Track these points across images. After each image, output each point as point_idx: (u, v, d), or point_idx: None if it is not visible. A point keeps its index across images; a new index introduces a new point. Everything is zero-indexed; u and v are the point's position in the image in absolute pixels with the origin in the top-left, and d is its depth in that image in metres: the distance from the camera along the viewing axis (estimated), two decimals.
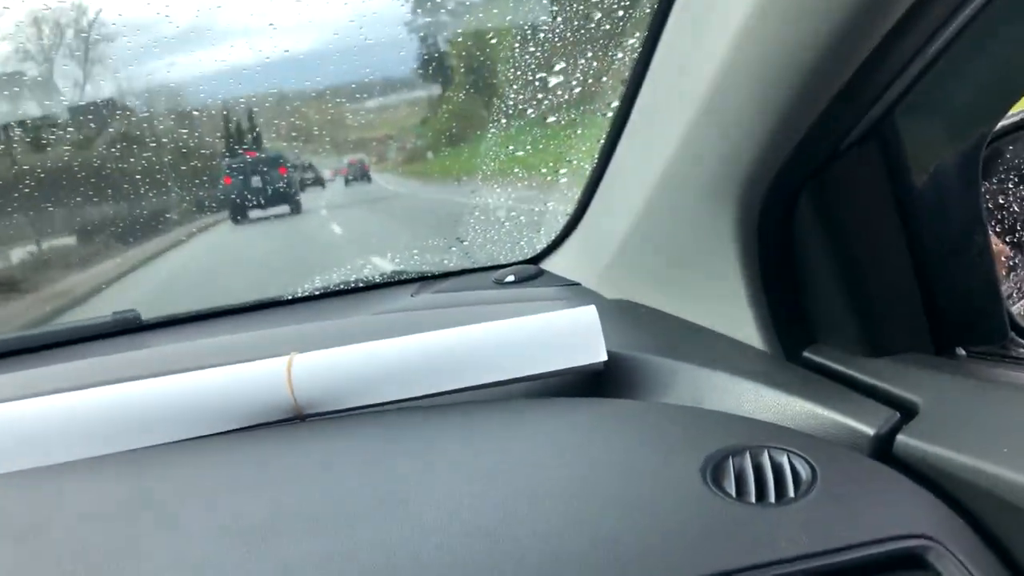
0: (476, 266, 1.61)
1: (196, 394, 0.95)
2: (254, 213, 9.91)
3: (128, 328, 1.46)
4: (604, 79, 1.16)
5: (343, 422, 0.94)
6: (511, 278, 1.48)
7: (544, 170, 1.54)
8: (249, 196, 9.48)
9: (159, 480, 0.84)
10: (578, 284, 1.36)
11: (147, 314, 1.48)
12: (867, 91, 0.75)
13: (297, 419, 0.95)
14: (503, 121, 1.47)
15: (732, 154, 0.84)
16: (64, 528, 0.75)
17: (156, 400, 0.95)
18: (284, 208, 9.85)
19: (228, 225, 9.88)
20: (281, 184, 9.69)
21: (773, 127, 0.78)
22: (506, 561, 0.63)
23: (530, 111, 1.41)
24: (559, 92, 1.33)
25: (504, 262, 1.57)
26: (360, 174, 12.27)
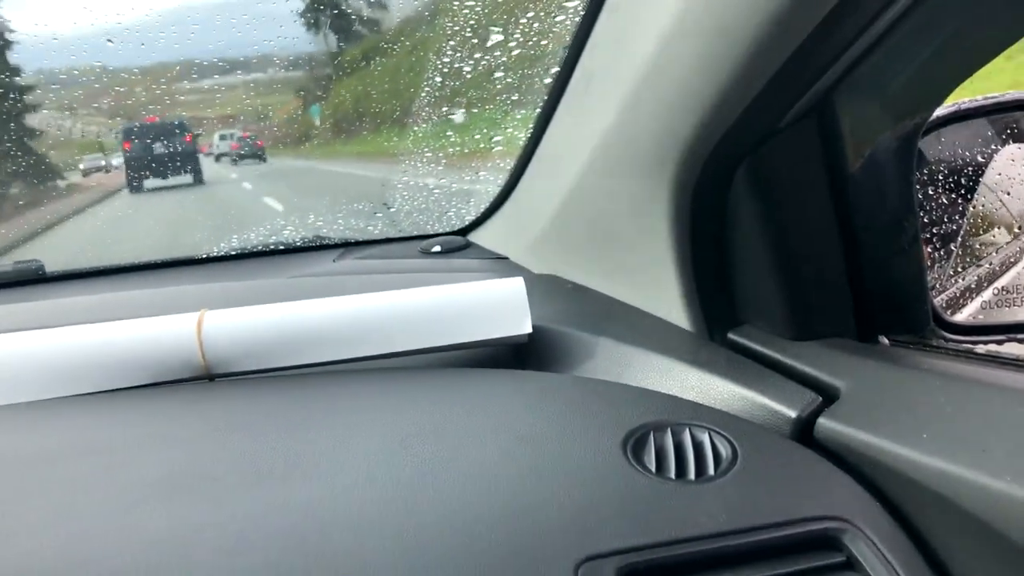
0: (402, 235, 1.58)
1: (100, 347, 0.90)
2: (152, 182, 9.45)
3: (30, 279, 1.39)
4: (544, 42, 1.13)
5: (254, 384, 0.90)
6: (437, 248, 1.45)
7: (478, 136, 1.50)
8: (150, 163, 9.11)
9: (54, 433, 0.80)
10: (506, 258, 1.35)
11: (51, 268, 1.41)
12: (807, 69, 0.74)
13: (205, 379, 0.91)
14: (437, 80, 1.43)
15: (669, 129, 0.83)
16: None
17: (57, 351, 0.90)
18: (187, 178, 9.52)
19: (127, 193, 9.47)
20: (186, 152, 9.33)
21: (712, 102, 0.77)
22: (419, 527, 0.61)
23: (467, 70, 1.37)
24: (497, 53, 1.30)
25: (431, 232, 1.54)
26: (251, 151, 11.36)
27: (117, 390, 0.89)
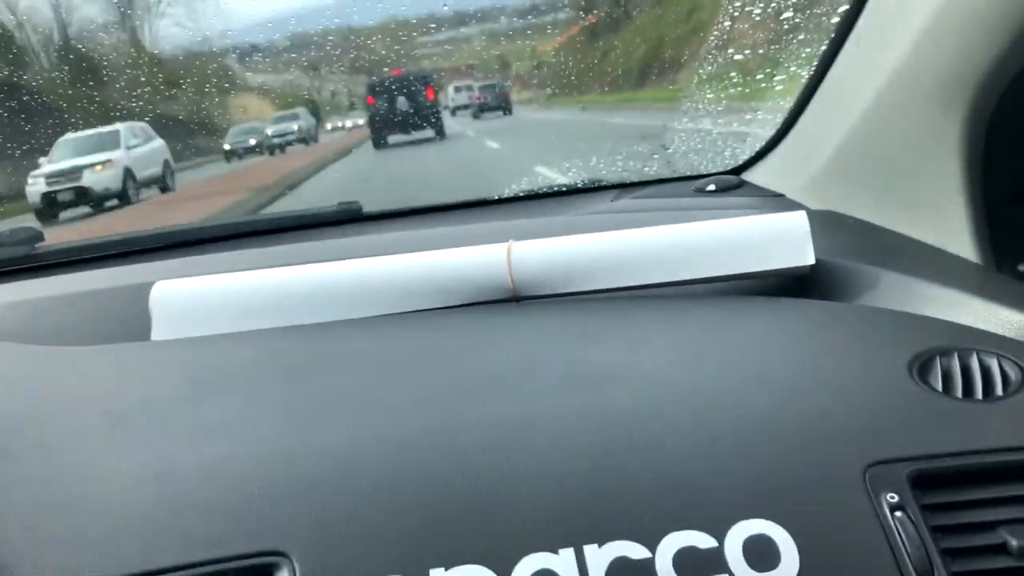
0: (677, 175, 1.63)
1: (423, 271, 1.05)
2: (395, 137, 9.30)
3: (351, 217, 1.58)
4: None
5: (556, 305, 1.01)
6: (712, 187, 1.49)
7: (760, 76, 1.53)
8: (393, 119, 8.99)
9: (388, 342, 0.95)
10: (781, 196, 1.37)
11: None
12: None
13: (512, 300, 1.03)
14: (727, 23, 1.47)
15: (967, 61, 0.83)
16: (312, 374, 0.86)
17: (386, 274, 1.05)
18: (428, 133, 9.23)
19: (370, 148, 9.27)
20: (428, 107, 9.06)
21: (1013, 34, 0.77)
22: (716, 426, 0.69)
23: (756, 12, 1.40)
24: None
25: (705, 172, 1.58)
26: (497, 102, 10.52)
27: (437, 309, 1.04)
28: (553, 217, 1.47)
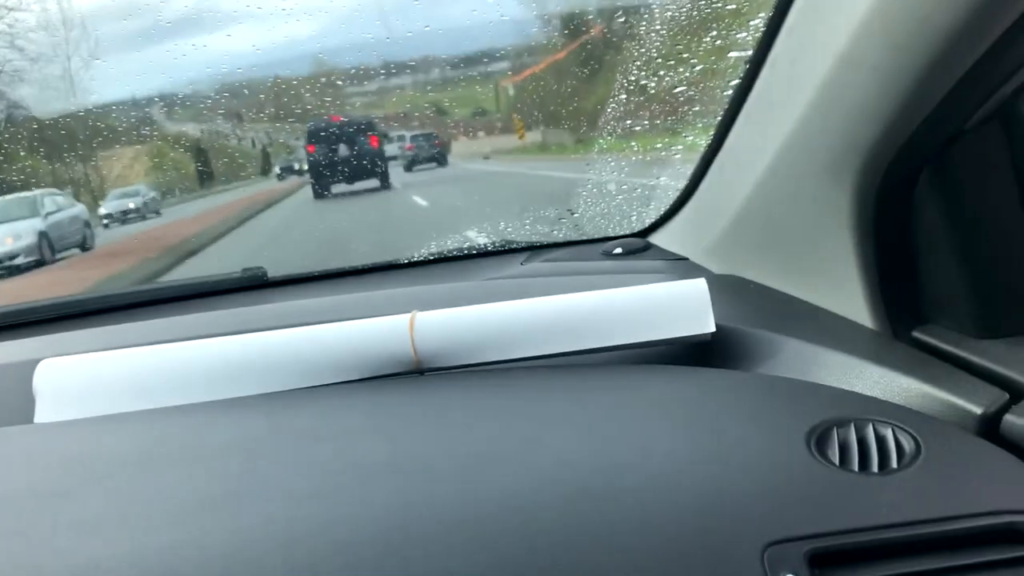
0: (584, 238, 1.65)
1: (323, 345, 1.02)
2: (339, 187, 9.02)
3: (255, 284, 1.54)
4: (729, 55, 1.18)
5: (460, 377, 1.00)
6: (619, 250, 1.51)
7: (659, 145, 1.57)
8: (335, 168, 8.64)
9: (285, 421, 0.91)
10: (686, 259, 1.39)
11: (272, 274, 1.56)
12: (993, 75, 0.75)
13: (416, 373, 1.02)
14: (623, 97, 1.51)
15: (852, 134, 0.85)
16: (199, 460, 0.82)
17: (286, 349, 1.03)
18: (373, 182, 8.96)
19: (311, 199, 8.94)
20: (372, 155, 8.73)
21: (895, 109, 0.79)
22: (615, 507, 0.68)
23: (651, 86, 1.45)
24: (681, 69, 1.36)
25: (613, 235, 1.60)
26: (429, 153, 10.10)
27: (340, 383, 1.01)
28: (462, 282, 1.47)
